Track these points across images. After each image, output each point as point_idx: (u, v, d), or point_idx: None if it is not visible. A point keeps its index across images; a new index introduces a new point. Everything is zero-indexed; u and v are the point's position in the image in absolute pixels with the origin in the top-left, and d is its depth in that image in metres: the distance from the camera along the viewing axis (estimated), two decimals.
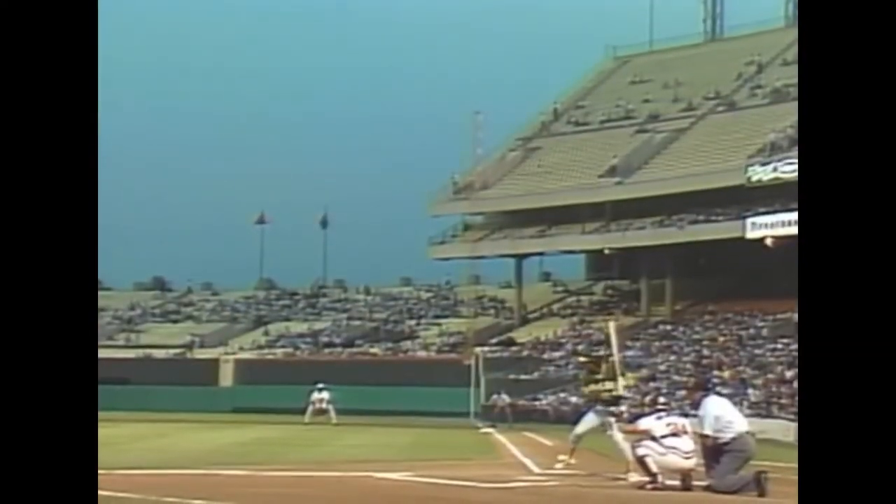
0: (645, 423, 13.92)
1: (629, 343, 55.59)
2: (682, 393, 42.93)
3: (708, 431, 13.30)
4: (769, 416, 38.66)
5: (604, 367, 16.07)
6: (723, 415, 13.46)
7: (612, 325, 17.64)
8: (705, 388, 14.93)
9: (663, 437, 13.47)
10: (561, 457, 15.66)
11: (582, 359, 20.06)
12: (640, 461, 13.60)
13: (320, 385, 42.46)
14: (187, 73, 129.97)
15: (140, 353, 66.05)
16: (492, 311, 65.31)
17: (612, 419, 15.41)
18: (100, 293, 76.25)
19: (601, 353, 18.01)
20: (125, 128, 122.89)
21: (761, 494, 12.63)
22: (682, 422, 13.88)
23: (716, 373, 46.97)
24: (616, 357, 16.23)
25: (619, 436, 15.14)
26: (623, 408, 15.87)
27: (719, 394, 15.59)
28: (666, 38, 71.62)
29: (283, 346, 65.51)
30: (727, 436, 13.25)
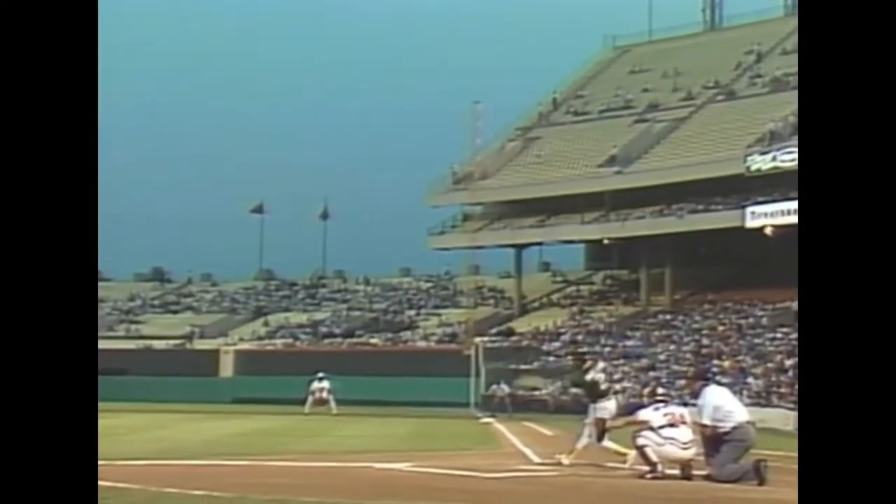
0: (643, 415, 14.00)
1: (629, 333, 55.70)
2: (682, 382, 43.03)
3: (707, 421, 13.32)
4: (769, 405, 38.70)
5: (587, 363, 16.54)
6: (722, 404, 13.47)
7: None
8: (705, 377, 14.98)
9: (661, 427, 13.55)
10: (564, 460, 15.75)
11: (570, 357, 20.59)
12: (640, 451, 13.71)
13: (320, 374, 42.48)
14: (188, 64, 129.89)
15: (140, 343, 66.04)
16: (491, 302, 65.30)
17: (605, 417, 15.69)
18: (99, 284, 76.21)
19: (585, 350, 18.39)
20: (125, 119, 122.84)
21: (761, 483, 12.65)
22: (679, 412, 13.95)
23: (715, 362, 47.01)
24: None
25: (591, 438, 15.65)
26: (610, 404, 16.07)
27: (719, 383, 15.62)
28: (665, 28, 71.63)
29: (282, 337, 65.53)
30: (727, 425, 13.26)
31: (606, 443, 15.51)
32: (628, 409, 17.45)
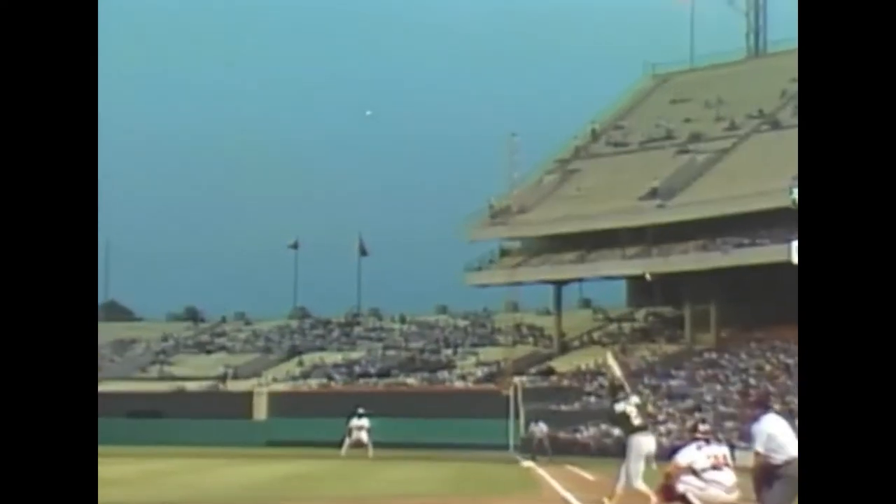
0: (685, 458, 13.28)
1: (673, 372, 54.34)
2: (730, 424, 41.56)
3: (760, 449, 12.40)
4: None
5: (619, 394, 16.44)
6: (776, 434, 12.52)
7: (609, 355, 17.48)
8: (766, 405, 13.91)
9: (704, 470, 13.06)
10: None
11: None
12: (682, 498, 13.17)
13: (360, 410, 41.47)
14: (221, 98, 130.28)
15: (173, 385, 65.30)
16: (530, 340, 64.26)
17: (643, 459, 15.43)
18: (132, 324, 76.23)
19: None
20: (158, 158, 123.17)
21: None
22: (723, 452, 13.44)
23: None
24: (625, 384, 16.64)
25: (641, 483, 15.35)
26: (647, 439, 15.49)
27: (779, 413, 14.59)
28: (706, 55, 70.42)
29: (317, 377, 64.69)
30: (779, 458, 12.27)
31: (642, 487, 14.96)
32: (672, 452, 16.78)
